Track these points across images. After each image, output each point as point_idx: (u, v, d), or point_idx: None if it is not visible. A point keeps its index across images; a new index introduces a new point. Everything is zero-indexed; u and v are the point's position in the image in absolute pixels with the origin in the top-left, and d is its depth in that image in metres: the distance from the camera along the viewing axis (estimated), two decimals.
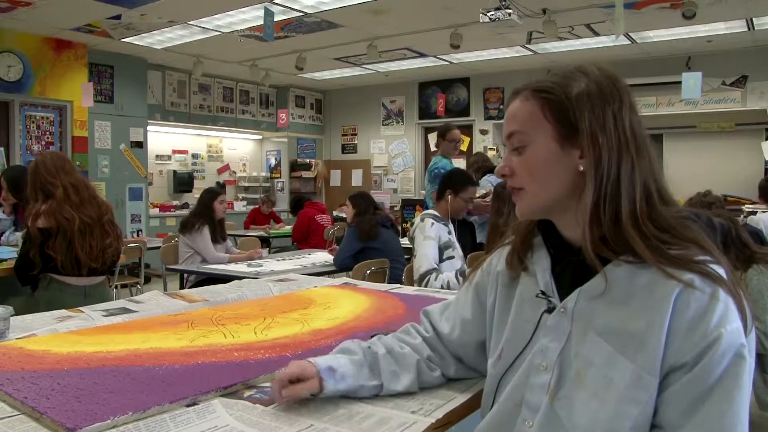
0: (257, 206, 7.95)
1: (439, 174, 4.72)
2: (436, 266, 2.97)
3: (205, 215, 4.18)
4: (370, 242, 3.92)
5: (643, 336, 0.79)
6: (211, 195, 4.24)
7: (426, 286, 2.85)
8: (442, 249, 3.06)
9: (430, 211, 3.23)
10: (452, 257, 3.10)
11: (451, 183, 3.22)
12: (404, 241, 5.20)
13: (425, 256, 2.99)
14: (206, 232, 4.11)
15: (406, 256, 4.20)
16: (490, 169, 5.81)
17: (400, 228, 7.94)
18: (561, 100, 0.88)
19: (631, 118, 0.88)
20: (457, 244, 3.22)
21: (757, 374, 1.98)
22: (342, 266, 3.94)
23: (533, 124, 0.91)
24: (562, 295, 0.90)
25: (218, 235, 4.23)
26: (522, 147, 0.92)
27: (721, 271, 0.80)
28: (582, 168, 0.87)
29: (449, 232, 3.16)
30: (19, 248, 2.75)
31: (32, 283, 2.75)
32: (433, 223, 3.09)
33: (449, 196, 3.17)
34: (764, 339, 1.94)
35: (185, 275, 4.10)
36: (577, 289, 0.88)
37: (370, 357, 1.05)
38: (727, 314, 0.77)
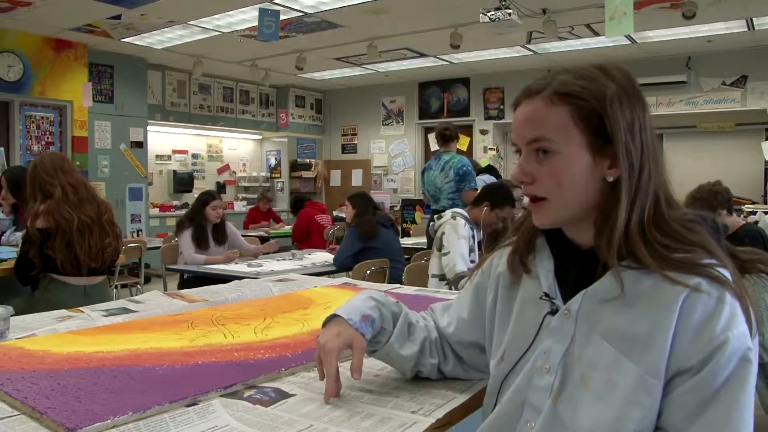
0: (255, 206, 7.97)
1: (468, 172, 4.66)
2: (471, 267, 2.94)
3: (194, 218, 4.17)
4: (370, 242, 3.92)
5: (649, 339, 0.79)
6: (204, 199, 4.21)
7: (460, 288, 2.81)
8: (469, 251, 3.04)
9: (461, 210, 3.16)
10: (474, 261, 3.08)
11: (492, 197, 3.14)
12: (404, 241, 5.19)
13: (461, 255, 2.94)
14: (187, 233, 4.10)
15: (406, 256, 4.20)
16: (480, 171, 5.78)
17: (400, 228, 7.96)
18: (593, 107, 0.84)
19: (650, 123, 0.86)
20: (477, 250, 3.19)
21: (760, 381, 1.97)
22: (342, 266, 3.94)
23: (562, 131, 0.85)
24: (565, 297, 0.89)
25: (207, 238, 4.18)
26: (548, 154, 0.86)
27: (727, 274, 0.80)
28: (611, 178, 0.84)
29: (473, 237, 3.13)
30: (19, 248, 2.75)
31: (32, 284, 2.75)
32: (465, 224, 3.05)
33: (485, 208, 3.12)
34: (763, 351, 1.93)
35: (185, 275, 4.10)
36: (581, 291, 0.87)
37: (397, 309, 1.08)
38: (733, 318, 0.77)
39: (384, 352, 1.05)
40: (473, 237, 3.13)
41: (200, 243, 4.13)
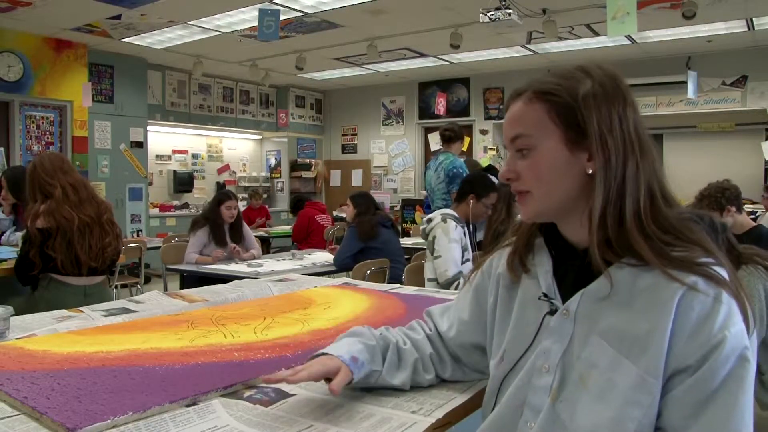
0: (248, 206, 7.97)
1: (459, 174, 4.66)
2: (461, 270, 2.95)
3: (208, 218, 4.22)
4: (370, 242, 3.92)
5: (647, 339, 0.79)
6: (219, 199, 4.27)
7: (454, 290, 2.82)
8: (462, 251, 3.03)
9: (449, 211, 3.14)
10: (468, 260, 3.07)
11: (474, 188, 3.13)
12: (404, 241, 5.19)
13: (452, 259, 2.93)
14: (200, 233, 4.15)
15: (406, 256, 4.19)
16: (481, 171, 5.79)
17: (400, 228, 7.95)
18: (567, 103, 0.87)
19: (634, 119, 0.88)
20: (470, 247, 3.19)
21: (755, 377, 1.97)
22: (342, 266, 3.94)
23: (540, 127, 0.89)
24: (564, 297, 0.90)
25: (224, 236, 4.22)
26: (528, 150, 0.90)
27: (724, 273, 0.80)
28: (590, 171, 0.86)
29: (465, 234, 3.13)
30: (19, 248, 2.75)
31: (32, 283, 2.75)
32: (456, 226, 3.04)
33: (471, 201, 3.12)
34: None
35: (185, 275, 4.10)
36: (579, 291, 0.87)
37: (383, 343, 1.07)
38: (730, 317, 0.77)
39: (378, 385, 1.05)
40: (465, 234, 3.13)
41: (218, 241, 4.18)
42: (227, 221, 4.24)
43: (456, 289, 2.82)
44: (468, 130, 8.76)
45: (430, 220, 3.14)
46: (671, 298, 0.79)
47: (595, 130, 0.85)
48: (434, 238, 3.05)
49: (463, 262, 3.03)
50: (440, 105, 8.53)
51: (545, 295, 0.92)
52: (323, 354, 1.00)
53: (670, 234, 0.83)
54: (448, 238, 2.98)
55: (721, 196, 3.00)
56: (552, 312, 0.90)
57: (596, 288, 0.86)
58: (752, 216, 4.95)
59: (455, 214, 3.11)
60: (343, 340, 1.05)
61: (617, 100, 0.87)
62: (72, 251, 2.67)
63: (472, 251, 3.24)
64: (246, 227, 4.48)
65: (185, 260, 4.14)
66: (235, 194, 4.44)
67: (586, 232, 0.87)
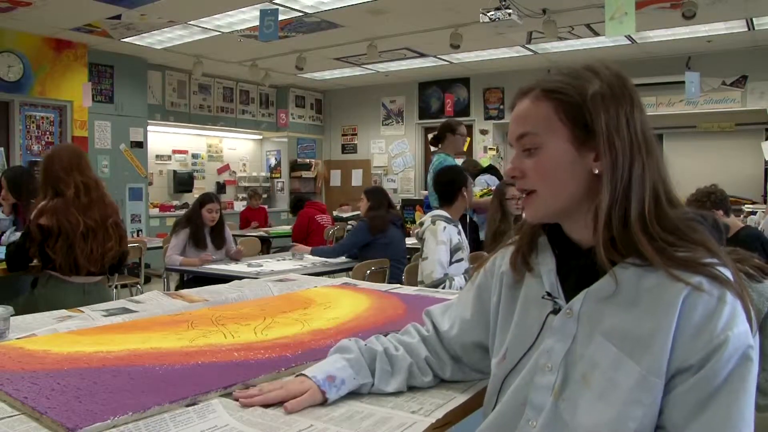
0: (246, 206, 7.97)
1: None
2: (447, 272, 2.96)
3: (191, 219, 4.16)
4: (379, 236, 3.95)
5: (650, 338, 0.79)
6: (201, 200, 4.20)
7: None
8: (452, 252, 3.03)
9: (440, 212, 3.14)
10: (461, 259, 3.07)
11: (460, 181, 3.15)
12: (407, 241, 5.20)
13: (438, 262, 2.94)
14: (182, 234, 4.09)
15: (408, 257, 4.20)
16: (481, 171, 5.80)
17: None
18: (576, 102, 0.87)
19: (641, 119, 0.87)
20: (467, 244, 3.19)
21: None
22: (341, 254, 3.95)
23: (547, 126, 0.89)
24: (567, 296, 0.90)
25: (204, 239, 4.14)
26: (534, 149, 0.90)
27: (728, 274, 0.80)
28: (597, 171, 0.86)
29: (459, 233, 3.14)
30: (18, 237, 2.74)
31: (22, 269, 2.73)
32: (445, 227, 3.03)
33: (465, 193, 3.13)
34: None
35: (185, 275, 4.10)
36: (583, 290, 0.87)
37: (368, 355, 1.06)
38: (734, 317, 0.77)
39: (374, 392, 1.05)
40: (459, 233, 3.13)
41: (198, 243, 4.11)
42: (208, 224, 4.14)
43: (443, 290, 2.84)
44: (468, 130, 8.73)
45: (422, 224, 3.17)
46: (675, 298, 0.79)
47: (603, 130, 0.85)
48: (423, 239, 3.07)
49: (453, 262, 3.03)
50: (449, 106, 8.55)
51: (548, 294, 0.92)
52: (300, 374, 1.02)
53: (674, 234, 0.83)
54: (435, 240, 2.99)
55: (706, 200, 3.05)
56: (555, 311, 0.90)
57: (600, 287, 0.86)
58: (753, 216, 4.95)
59: (446, 214, 3.11)
60: (328, 358, 1.06)
61: (625, 100, 0.87)
62: (72, 255, 2.65)
63: (476, 249, 3.24)
64: (227, 230, 4.37)
65: (167, 263, 4.05)
66: (218, 197, 4.33)
67: (591, 232, 0.87)
